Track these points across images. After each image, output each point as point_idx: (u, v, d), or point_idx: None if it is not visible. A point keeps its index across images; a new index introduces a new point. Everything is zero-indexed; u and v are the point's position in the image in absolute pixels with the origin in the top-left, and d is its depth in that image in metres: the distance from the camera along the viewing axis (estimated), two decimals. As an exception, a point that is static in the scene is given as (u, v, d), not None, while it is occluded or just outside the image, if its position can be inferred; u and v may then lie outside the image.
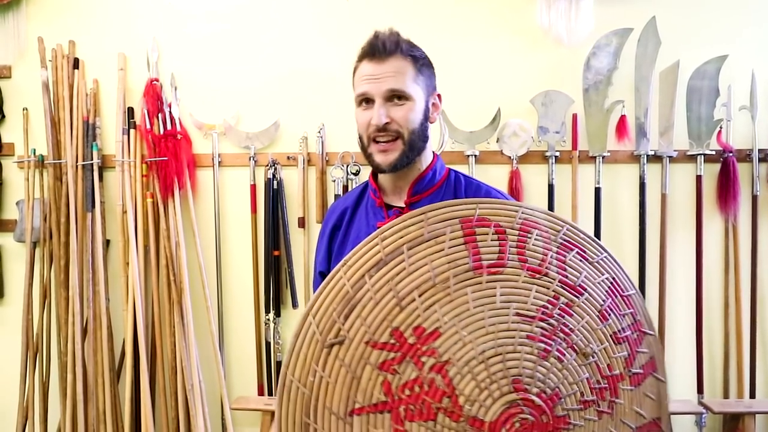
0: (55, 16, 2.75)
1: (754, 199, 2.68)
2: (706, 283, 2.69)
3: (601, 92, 2.65)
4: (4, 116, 2.80)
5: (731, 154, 2.65)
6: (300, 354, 0.96)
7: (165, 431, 2.58)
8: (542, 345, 0.94)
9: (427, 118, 1.25)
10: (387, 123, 1.18)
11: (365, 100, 1.22)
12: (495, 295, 0.95)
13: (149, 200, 2.65)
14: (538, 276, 0.98)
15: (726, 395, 2.70)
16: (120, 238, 2.64)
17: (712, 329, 2.72)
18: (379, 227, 1.04)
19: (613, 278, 1.05)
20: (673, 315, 2.69)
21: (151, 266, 2.63)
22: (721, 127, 2.66)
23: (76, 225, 2.61)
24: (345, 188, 2.66)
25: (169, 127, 2.67)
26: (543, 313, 0.96)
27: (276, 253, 2.68)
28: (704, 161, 2.66)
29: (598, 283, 1.03)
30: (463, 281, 0.95)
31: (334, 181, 2.67)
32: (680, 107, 2.67)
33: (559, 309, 0.97)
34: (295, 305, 2.68)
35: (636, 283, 2.60)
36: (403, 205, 1.26)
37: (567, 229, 1.04)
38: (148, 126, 2.67)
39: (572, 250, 1.03)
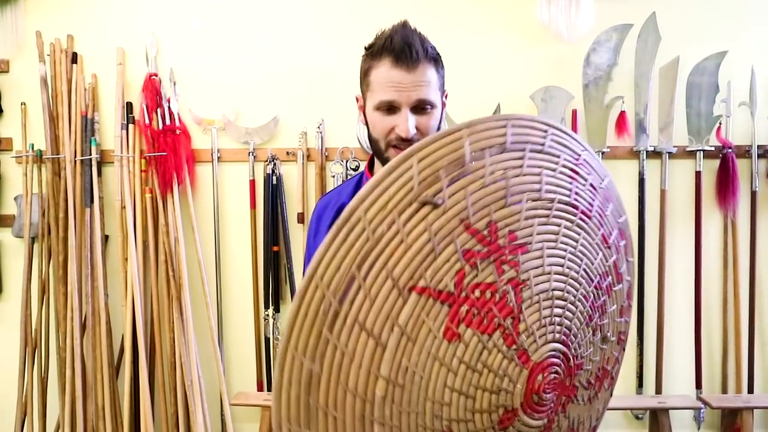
0: (53, 10, 2.74)
1: (753, 195, 2.69)
2: (705, 279, 2.70)
3: (600, 88, 2.65)
4: (2, 111, 2.78)
5: (730, 150, 2.65)
6: (384, 201, 0.77)
7: (164, 427, 2.58)
8: (590, 312, 0.89)
9: (440, 120, 1.23)
10: (411, 135, 1.14)
11: (389, 108, 1.16)
12: (578, 241, 0.87)
13: (148, 195, 2.65)
14: (605, 245, 0.93)
15: (724, 390, 2.71)
16: (119, 234, 2.63)
17: (711, 325, 2.73)
18: None
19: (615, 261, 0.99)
20: (672, 310, 2.70)
21: (150, 262, 2.62)
22: (720, 123, 2.66)
23: (75, 220, 2.61)
24: (344, 184, 2.66)
25: (168, 122, 2.66)
26: (598, 282, 0.91)
27: (275, 248, 2.67)
28: (703, 157, 2.67)
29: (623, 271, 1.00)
30: (562, 212, 0.86)
31: (334, 176, 2.66)
32: (680, 103, 2.67)
33: (606, 285, 0.93)
34: (294, 301, 2.67)
35: (635, 278, 2.63)
36: None
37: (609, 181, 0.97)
38: (147, 121, 2.66)
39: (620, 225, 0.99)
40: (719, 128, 2.66)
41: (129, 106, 2.70)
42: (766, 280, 2.73)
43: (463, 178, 0.79)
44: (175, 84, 2.72)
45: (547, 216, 0.84)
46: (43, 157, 2.68)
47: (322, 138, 2.68)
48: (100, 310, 2.58)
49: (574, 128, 2.65)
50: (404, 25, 1.19)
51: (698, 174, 2.67)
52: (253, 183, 2.71)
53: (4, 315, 2.79)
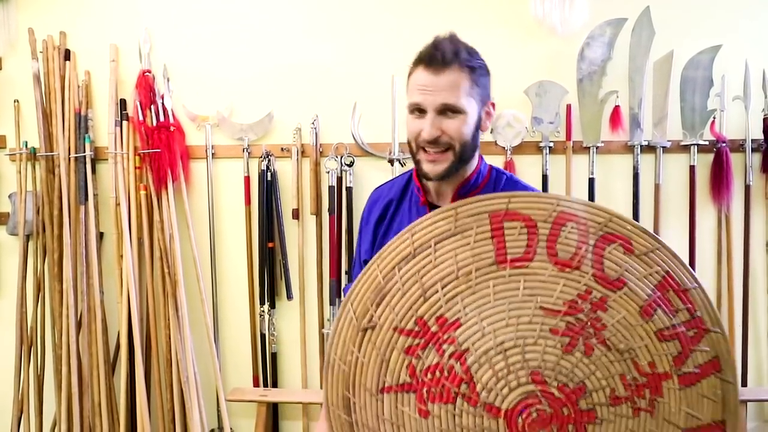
0: (45, 7, 2.72)
1: (747, 188, 2.69)
2: (699, 273, 2.69)
3: (595, 83, 2.65)
4: (-6, 108, 2.78)
5: (724, 144, 2.65)
6: (341, 336, 1.05)
7: (160, 423, 2.58)
8: (566, 339, 0.96)
9: (479, 129, 1.23)
10: (438, 136, 1.17)
11: (418, 109, 1.19)
12: (518, 289, 0.99)
13: (143, 192, 2.65)
14: (568, 270, 0.99)
15: (718, 384, 2.72)
16: (114, 231, 2.63)
17: (705, 318, 2.74)
18: None
19: (666, 272, 1.03)
20: (666, 305, 2.70)
21: (145, 259, 2.62)
22: (714, 118, 2.66)
23: (69, 218, 2.60)
24: (339, 179, 2.66)
25: (162, 118, 2.65)
26: (570, 307, 0.98)
27: (270, 244, 2.68)
28: (698, 151, 2.67)
29: (645, 277, 1.01)
30: (486, 274, 1.00)
31: (328, 172, 2.66)
32: (674, 97, 2.67)
33: (590, 303, 0.98)
34: (289, 297, 2.68)
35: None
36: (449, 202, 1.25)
37: (611, 220, 1.02)
38: (141, 118, 2.66)
39: (615, 242, 1.01)
40: (713, 122, 2.66)
41: (122, 103, 2.69)
42: (759, 274, 2.74)
43: (384, 298, 1.03)
44: (168, 80, 2.71)
45: (470, 286, 1.00)
46: (37, 154, 2.68)
47: (316, 134, 2.67)
48: (95, 307, 2.58)
49: (569, 123, 2.65)
50: (448, 35, 1.23)
51: (692, 168, 2.68)
52: (247, 179, 2.71)
53: (1, 313, 2.79)
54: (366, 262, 1.31)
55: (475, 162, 1.26)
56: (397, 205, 1.33)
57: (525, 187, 1.28)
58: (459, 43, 1.22)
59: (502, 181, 1.29)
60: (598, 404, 0.97)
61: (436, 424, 0.98)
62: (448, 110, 1.16)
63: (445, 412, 0.98)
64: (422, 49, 1.22)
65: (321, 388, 1.38)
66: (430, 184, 1.27)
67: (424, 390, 0.99)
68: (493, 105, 1.27)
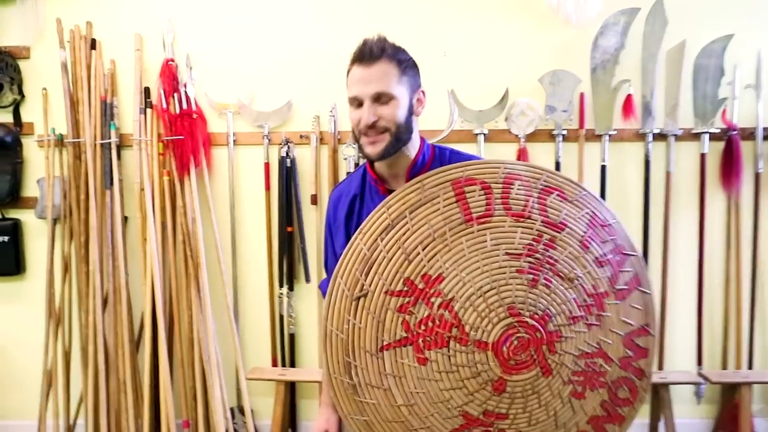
0: (72, -2, 2.81)
1: (757, 176, 2.74)
2: (708, 259, 2.76)
3: (608, 71, 2.69)
4: (23, 96, 2.86)
5: (735, 133, 2.69)
6: (334, 308, 1.16)
7: (183, 401, 2.68)
8: (530, 276, 1.13)
9: (411, 114, 1.35)
10: (375, 121, 1.29)
11: (357, 101, 1.33)
12: (486, 240, 1.14)
13: (166, 178, 2.73)
14: (522, 219, 1.15)
15: (724, 367, 2.78)
16: (138, 215, 2.72)
17: (713, 303, 2.80)
18: None
19: (593, 212, 1.20)
20: (675, 289, 2.76)
21: (169, 242, 2.71)
22: (725, 106, 2.71)
23: (96, 202, 2.69)
24: (356, 166, 2.73)
25: (185, 106, 2.73)
26: (529, 249, 1.14)
27: (289, 229, 2.75)
28: (709, 139, 2.71)
29: (579, 218, 1.18)
30: (458, 233, 1.14)
31: (346, 159, 2.73)
32: (686, 86, 2.71)
33: (543, 245, 1.15)
34: (308, 279, 2.76)
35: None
36: None
37: (546, 176, 1.19)
38: (165, 105, 2.73)
39: (552, 193, 1.19)
40: (724, 111, 2.71)
41: (147, 91, 2.77)
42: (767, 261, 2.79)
43: (372, 267, 1.14)
44: (191, 69, 2.79)
45: (446, 244, 1.13)
46: (64, 141, 2.76)
47: (335, 122, 2.74)
48: (120, 289, 2.68)
49: (582, 111, 2.71)
50: (376, 36, 1.36)
51: (703, 156, 2.72)
52: (267, 166, 2.79)
53: (28, 293, 2.89)
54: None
55: (416, 144, 1.39)
56: (361, 199, 1.44)
57: (469, 157, 1.41)
58: (385, 41, 1.35)
59: (446, 154, 1.42)
60: (561, 325, 1.14)
61: (434, 367, 1.11)
62: (381, 97, 1.30)
63: (441, 356, 1.11)
64: (354, 49, 1.36)
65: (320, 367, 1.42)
66: (383, 170, 1.40)
67: (420, 341, 1.12)
68: (424, 93, 1.40)
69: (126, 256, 2.72)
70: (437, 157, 1.40)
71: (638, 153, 2.74)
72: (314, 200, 2.77)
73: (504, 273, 1.13)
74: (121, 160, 2.78)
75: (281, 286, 2.78)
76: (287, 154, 2.75)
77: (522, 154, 2.70)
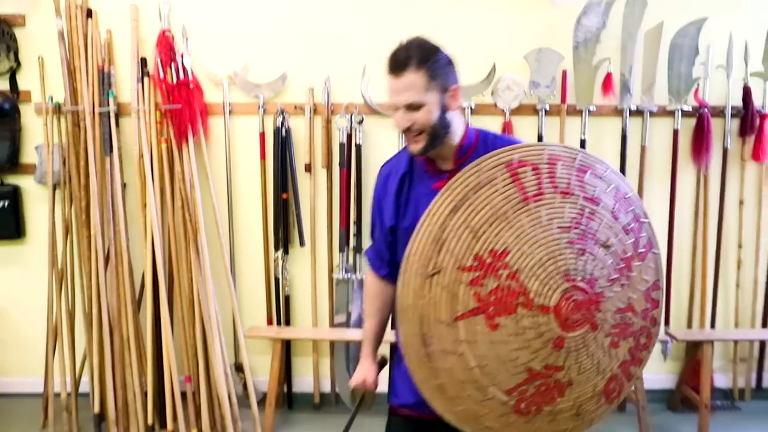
0: (68, -35, 2.83)
1: (725, 152, 2.93)
2: (678, 227, 2.96)
3: (589, 50, 2.83)
4: (20, 64, 2.91)
5: (706, 110, 2.87)
6: (409, 286, 1.28)
7: (185, 357, 2.82)
8: (578, 246, 1.28)
9: (445, 111, 1.43)
10: (409, 126, 1.40)
11: (394, 107, 1.42)
12: (541, 216, 1.27)
13: (164, 146, 2.82)
14: (567, 196, 1.29)
15: (690, 327, 3.02)
16: (137, 181, 2.81)
17: (681, 268, 3.01)
18: (435, 188, 1.38)
19: (616, 187, 1.35)
20: (646, 256, 2.96)
21: (168, 207, 2.81)
22: (698, 85, 2.87)
23: (95, 168, 2.77)
24: (349, 136, 2.85)
25: (181, 76, 2.81)
26: (576, 223, 1.29)
27: (284, 195, 2.88)
28: (681, 116, 2.89)
29: (608, 192, 1.32)
30: (518, 210, 1.26)
31: (339, 129, 2.85)
32: (662, 66, 2.87)
33: (585, 217, 1.29)
34: (302, 243, 2.90)
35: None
36: (451, 169, 1.47)
37: (581, 156, 1.34)
38: (162, 75, 2.81)
39: (587, 171, 1.32)
40: (697, 89, 2.88)
41: (143, 61, 2.84)
42: (732, 230, 3.00)
43: (443, 246, 1.26)
44: (187, 40, 2.85)
45: (508, 221, 1.26)
46: (63, 109, 2.82)
47: (328, 93, 2.85)
48: (122, 252, 2.78)
49: (564, 87, 2.85)
50: (406, 41, 1.41)
51: (676, 132, 2.90)
52: (263, 135, 2.89)
53: (28, 256, 3.00)
54: (392, 228, 1.54)
55: (459, 131, 1.49)
56: (410, 177, 1.55)
57: (510, 140, 1.53)
58: (412, 47, 1.40)
59: (489, 138, 1.53)
60: (603, 287, 1.31)
61: (504, 331, 1.26)
62: (412, 106, 1.39)
63: (510, 321, 1.26)
64: (388, 57, 1.43)
65: (393, 329, 1.62)
66: (432, 154, 1.50)
67: (490, 309, 1.25)
68: (457, 88, 1.46)
69: (126, 221, 2.82)
70: (481, 140, 1.50)
71: (616, 128, 2.91)
72: (308, 168, 2.89)
73: (558, 244, 1.27)
74: (119, 127, 2.86)
75: (276, 249, 2.92)
76: (282, 124, 2.86)
77: (507, 127, 2.85)
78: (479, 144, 1.50)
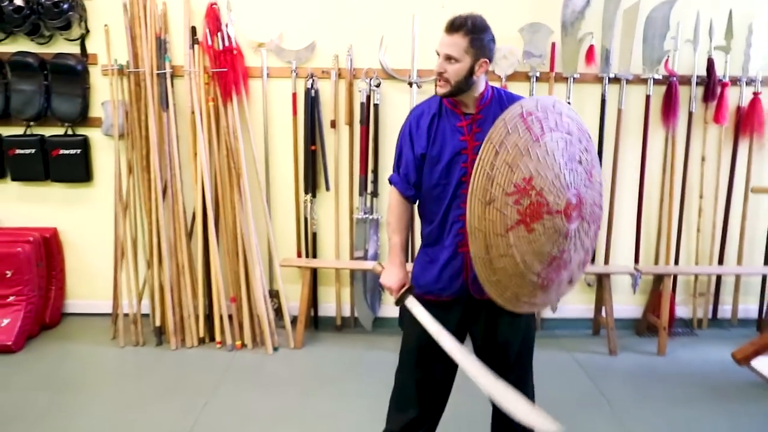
0: (130, -53, 3.30)
1: (690, 115, 3.41)
2: (648, 179, 3.46)
3: (575, 25, 3.30)
4: (88, 31, 3.41)
5: (675, 79, 3.35)
6: (474, 213, 1.71)
7: (230, 282, 3.35)
8: (569, 166, 1.77)
9: (471, 74, 1.85)
10: (441, 72, 1.83)
11: (438, 54, 1.86)
12: (546, 149, 1.74)
13: (211, 104, 3.32)
14: (555, 132, 1.76)
15: (657, 264, 3.54)
16: (189, 133, 3.32)
17: (650, 214, 3.53)
18: (459, 126, 1.87)
19: (575, 120, 1.82)
20: (621, 203, 3.48)
21: (215, 155, 3.33)
22: (668, 57, 3.35)
23: (155, 121, 3.28)
24: (368, 97, 3.35)
25: (226, 43, 3.30)
26: (563, 150, 1.76)
27: (313, 147, 3.39)
28: (653, 84, 3.36)
29: (571, 124, 1.80)
30: (533, 147, 1.73)
31: (360, 91, 3.35)
32: (638, 39, 3.34)
33: (568, 144, 1.78)
34: (327, 188, 3.43)
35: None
36: (474, 112, 1.91)
37: (557, 103, 1.81)
38: (209, 42, 3.30)
39: (562, 112, 1.80)
40: (667, 60, 3.35)
41: (193, 30, 3.33)
42: (695, 183, 3.50)
43: (493, 180, 1.69)
44: (231, 12, 3.34)
45: (530, 155, 1.72)
46: (126, 70, 3.33)
47: (351, 60, 3.34)
48: (177, 192, 3.31)
49: (552, 57, 3.33)
50: (470, 14, 1.83)
51: (648, 97, 3.38)
52: (294, 96, 3.39)
53: (96, 197, 3.53)
54: (423, 155, 1.94)
55: (481, 86, 1.92)
56: (439, 117, 1.96)
57: (516, 96, 1.97)
58: (469, 19, 1.82)
59: (502, 93, 1.97)
60: (583, 190, 1.81)
61: (536, 233, 1.74)
62: (450, 58, 1.83)
63: (539, 225, 1.73)
64: (448, 19, 1.86)
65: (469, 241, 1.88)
66: (460, 100, 1.93)
67: (528, 219, 1.73)
68: (487, 62, 1.87)
69: (180, 166, 3.34)
70: (495, 95, 1.93)
71: (596, 93, 3.40)
72: (333, 125, 3.40)
73: (559, 167, 1.76)
74: (174, 87, 3.36)
75: (305, 193, 3.44)
76: (311, 86, 3.35)
77: (503, 91, 3.34)
78: (494, 97, 1.93)
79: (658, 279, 3.37)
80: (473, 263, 1.75)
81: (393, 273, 1.96)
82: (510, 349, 1.93)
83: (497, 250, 1.73)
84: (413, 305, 1.91)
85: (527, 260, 1.75)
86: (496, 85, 3.33)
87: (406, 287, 1.95)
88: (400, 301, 1.95)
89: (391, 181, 2.00)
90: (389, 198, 2.01)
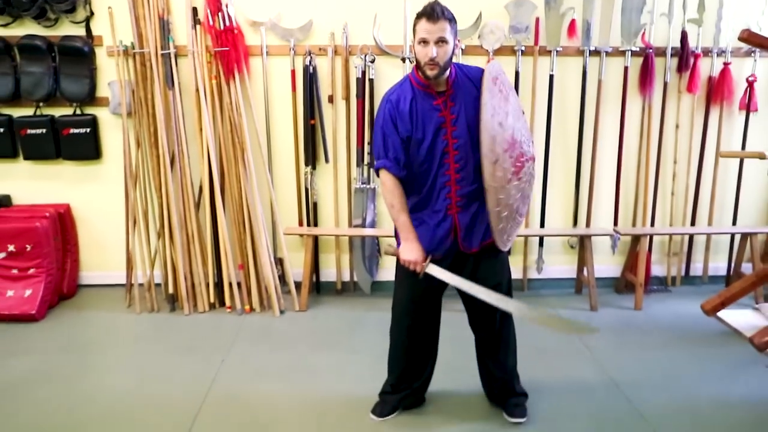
0: (131, -69, 3.43)
1: (665, 85, 3.64)
2: (626, 146, 3.70)
3: (558, 0, 3.49)
4: (93, 13, 3.54)
5: (651, 51, 3.56)
6: (488, 172, 2.00)
7: (237, 250, 3.57)
8: (524, 119, 2.14)
9: (452, 54, 2.09)
10: (435, 57, 2.02)
11: (424, 42, 2.04)
12: (513, 106, 2.08)
13: (214, 81, 3.49)
14: (511, 91, 2.09)
15: (634, 226, 3.80)
16: (194, 110, 3.49)
17: (628, 179, 3.77)
18: (435, 104, 2.10)
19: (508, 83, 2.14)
20: (601, 168, 3.72)
21: (219, 130, 3.51)
22: (645, 30, 3.55)
23: (161, 99, 3.45)
24: (363, 73, 3.53)
25: (227, 23, 3.45)
26: (518, 105, 2.09)
27: (312, 121, 3.58)
28: (631, 55, 3.58)
29: (510, 83, 2.12)
30: (506, 105, 2.06)
31: (356, 67, 3.53)
32: (617, 13, 3.54)
33: (517, 101, 2.12)
34: (327, 160, 3.63)
35: (575, 145, 3.63)
36: (445, 89, 2.11)
37: (500, 67, 2.12)
38: (211, 22, 3.45)
39: (503, 73, 2.13)
40: (644, 33, 3.56)
41: (195, 11, 3.47)
42: (669, 149, 3.75)
43: (495, 141, 2.02)
44: (230, -8, 3.49)
45: (506, 113, 2.04)
46: (130, 51, 3.48)
47: (346, 38, 3.51)
48: (184, 166, 3.50)
49: (537, 32, 3.53)
50: (435, 1, 2.05)
51: (626, 69, 3.60)
52: (293, 72, 3.57)
53: (106, 174, 3.71)
54: (408, 138, 2.13)
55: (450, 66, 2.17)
56: (415, 99, 2.16)
57: (476, 68, 2.19)
58: (443, 8, 2.04)
59: (462, 68, 2.18)
60: (528, 136, 2.17)
61: (522, 178, 2.09)
62: (441, 41, 2.03)
63: (522, 171, 2.09)
64: (421, 9, 2.05)
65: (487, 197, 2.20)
66: (433, 81, 2.12)
67: (518, 167, 2.06)
68: (459, 42, 2.21)
69: (187, 141, 3.52)
70: (458, 70, 2.15)
71: (578, 65, 3.60)
72: (330, 99, 3.59)
73: (523, 121, 2.11)
74: (178, 66, 3.52)
75: (306, 165, 3.64)
76: (309, 63, 3.53)
77: (491, 65, 3.54)
78: (458, 73, 2.15)
79: (635, 240, 3.63)
80: (489, 217, 2.06)
81: (413, 249, 2.15)
82: (498, 287, 2.24)
83: (506, 199, 2.04)
84: (437, 271, 2.15)
85: (522, 195, 2.12)
86: (484, 60, 3.61)
87: (429, 259, 2.16)
88: (424, 272, 2.14)
89: (382, 167, 2.14)
90: (382, 184, 2.17)
